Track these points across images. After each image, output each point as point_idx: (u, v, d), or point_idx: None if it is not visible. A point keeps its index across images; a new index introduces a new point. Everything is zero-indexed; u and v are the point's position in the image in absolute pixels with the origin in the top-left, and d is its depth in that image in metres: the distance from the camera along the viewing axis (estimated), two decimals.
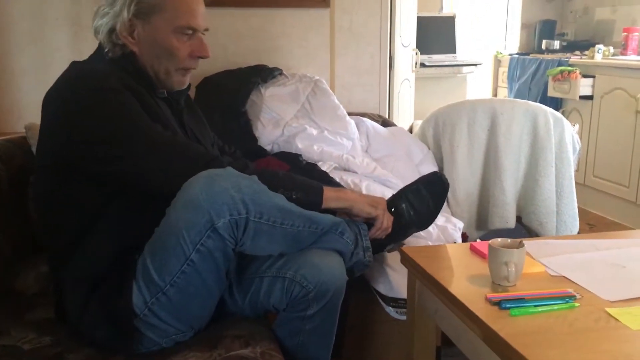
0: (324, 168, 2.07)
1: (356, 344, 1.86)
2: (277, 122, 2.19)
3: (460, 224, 1.98)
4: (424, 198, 1.55)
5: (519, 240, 1.25)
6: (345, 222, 1.44)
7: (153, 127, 1.32)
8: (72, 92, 1.30)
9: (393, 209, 1.53)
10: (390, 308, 1.69)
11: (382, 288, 1.71)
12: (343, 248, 1.41)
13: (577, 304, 1.14)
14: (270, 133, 2.17)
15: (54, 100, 1.32)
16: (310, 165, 2.01)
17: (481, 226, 2.38)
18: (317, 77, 2.43)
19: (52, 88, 1.34)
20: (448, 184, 1.60)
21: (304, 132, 2.16)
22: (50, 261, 1.42)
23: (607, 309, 1.12)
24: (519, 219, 2.41)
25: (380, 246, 1.55)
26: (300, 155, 2.09)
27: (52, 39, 2.38)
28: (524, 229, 2.41)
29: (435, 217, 1.59)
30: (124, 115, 1.30)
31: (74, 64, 1.41)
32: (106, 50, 1.40)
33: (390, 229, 1.52)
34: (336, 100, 2.37)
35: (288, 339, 1.40)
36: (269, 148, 2.15)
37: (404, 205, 1.54)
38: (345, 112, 2.36)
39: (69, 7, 2.38)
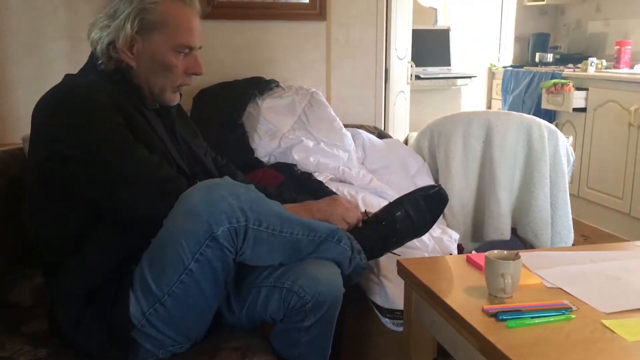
0: (320, 178, 2.07)
1: (353, 355, 1.86)
2: (273, 133, 2.20)
3: (456, 236, 1.98)
4: (421, 209, 1.56)
5: (515, 252, 1.26)
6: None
7: (130, 154, 1.32)
8: (57, 108, 1.30)
9: (390, 217, 1.54)
10: (387, 319, 1.69)
11: (378, 299, 1.71)
12: (341, 255, 1.41)
13: (573, 316, 1.15)
14: (266, 145, 2.18)
15: (40, 114, 1.33)
16: (305, 175, 2.02)
17: (477, 237, 2.39)
18: (314, 89, 2.44)
19: (41, 100, 1.34)
20: (447, 199, 1.60)
21: (301, 143, 2.17)
22: (45, 274, 1.42)
23: (603, 321, 1.12)
24: (514, 230, 2.42)
25: (376, 253, 1.55)
26: (296, 165, 2.09)
27: (50, 51, 2.39)
28: (519, 241, 2.42)
29: (429, 228, 1.60)
30: (104, 139, 1.30)
31: (67, 77, 1.42)
32: (99, 62, 1.40)
33: (354, 217, 1.53)
34: (332, 112, 2.38)
35: (285, 350, 1.39)
36: (266, 160, 2.16)
37: (399, 214, 1.54)
38: (341, 124, 2.37)
39: (67, 20, 2.40)
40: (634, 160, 3.36)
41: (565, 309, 1.16)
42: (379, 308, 1.71)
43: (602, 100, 3.60)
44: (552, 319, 1.13)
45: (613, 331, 1.09)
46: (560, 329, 1.11)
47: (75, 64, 1.47)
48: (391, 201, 1.61)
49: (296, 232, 1.34)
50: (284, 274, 1.37)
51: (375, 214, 1.57)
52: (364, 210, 1.62)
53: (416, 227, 1.56)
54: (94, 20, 1.42)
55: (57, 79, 1.40)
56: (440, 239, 1.90)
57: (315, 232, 1.37)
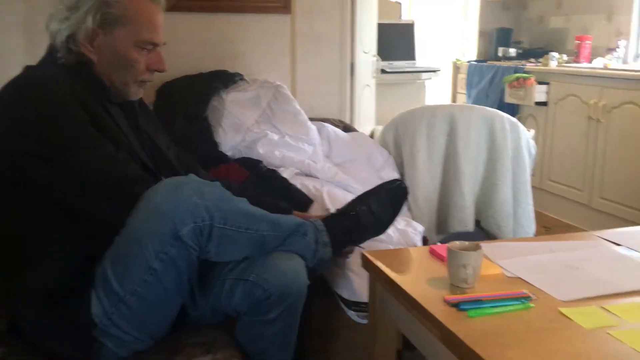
0: (285, 174, 2.07)
1: (319, 349, 1.86)
2: (238, 127, 2.18)
3: (421, 228, 2.00)
4: (383, 204, 1.57)
5: (476, 243, 1.28)
6: (308, 223, 1.45)
7: (97, 152, 1.30)
8: (19, 102, 1.27)
9: (352, 213, 1.55)
10: (352, 312, 1.70)
11: (344, 292, 1.72)
12: (306, 249, 1.41)
13: (532, 305, 1.17)
14: (231, 138, 2.16)
15: (1, 108, 1.29)
16: (270, 172, 2.01)
17: (441, 230, 2.41)
18: (279, 83, 2.43)
19: (1, 94, 1.30)
20: (407, 192, 1.63)
21: (266, 137, 2.16)
22: (5, 272, 1.38)
23: (561, 309, 1.15)
24: (478, 222, 2.45)
25: (338, 249, 1.55)
26: (261, 162, 2.08)
27: (7, 43, 2.32)
28: (483, 232, 2.46)
29: (391, 223, 1.62)
30: (70, 136, 1.28)
31: (27, 69, 1.38)
32: (59, 55, 1.36)
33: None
34: (297, 106, 2.37)
35: (250, 344, 1.39)
36: (230, 153, 2.14)
37: (364, 209, 1.55)
38: (306, 118, 2.37)
39: (25, 12, 2.33)
40: (594, 152, 3.45)
41: (524, 298, 1.18)
42: (345, 301, 1.72)
43: (563, 94, 3.68)
44: (511, 308, 1.15)
45: (571, 319, 1.11)
46: (520, 318, 1.13)
47: (33, 56, 1.43)
48: (355, 197, 1.63)
49: (262, 229, 1.34)
50: (248, 266, 1.36)
51: (340, 210, 1.58)
52: (331, 209, 1.65)
53: (380, 222, 1.58)
54: (53, 11, 1.38)
55: (13, 72, 1.36)
56: (405, 231, 1.91)
57: (281, 227, 1.38)
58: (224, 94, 2.29)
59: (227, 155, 2.12)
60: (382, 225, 1.59)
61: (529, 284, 1.27)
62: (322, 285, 1.74)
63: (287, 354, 1.44)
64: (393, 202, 1.59)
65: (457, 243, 1.27)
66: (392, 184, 1.62)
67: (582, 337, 1.06)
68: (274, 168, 2.06)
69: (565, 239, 1.59)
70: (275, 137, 2.18)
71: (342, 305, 1.74)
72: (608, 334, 1.06)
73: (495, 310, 1.14)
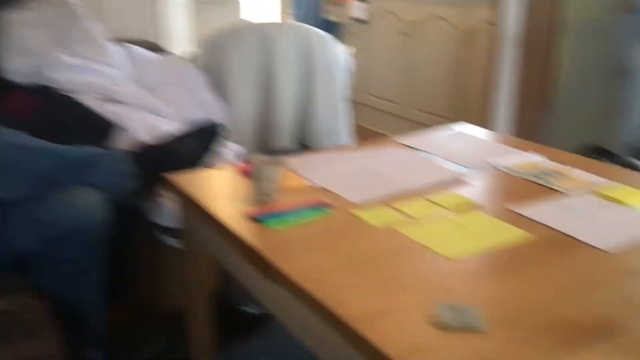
0: (88, 101, 1.89)
1: (140, 280, 1.80)
2: (26, 51, 1.94)
3: (237, 147, 1.98)
4: (194, 143, 1.66)
5: (277, 157, 1.28)
6: (101, 152, 1.36)
7: None
8: None
9: (162, 147, 1.52)
10: (170, 238, 1.66)
11: (158, 219, 1.67)
12: (101, 180, 1.33)
13: (330, 211, 1.20)
14: (20, 64, 1.92)
15: None
16: (64, 98, 1.83)
17: (263, 149, 2.41)
18: (74, 1, 2.19)
19: None
20: (219, 132, 1.74)
21: (61, 61, 1.94)
22: None
23: (354, 211, 1.19)
24: (299, 140, 2.48)
25: (147, 180, 1.50)
26: (53, 87, 1.87)
27: None
28: (304, 148, 2.50)
29: (200, 160, 1.67)
30: None
31: None
32: None
33: None
34: (97, 27, 2.16)
35: (48, 284, 1.30)
36: (20, 80, 1.90)
37: (174, 145, 1.56)
38: (108, 39, 2.17)
39: None
40: (408, 66, 3.63)
41: (323, 206, 1.21)
42: (160, 227, 1.67)
43: (380, 11, 3.78)
44: (311, 216, 1.18)
45: (363, 220, 1.16)
46: (319, 225, 1.15)
47: None
48: (169, 137, 1.64)
49: (42, 162, 1.23)
50: (36, 204, 1.25)
51: (151, 145, 1.53)
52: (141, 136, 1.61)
53: (189, 157, 1.60)
54: None
55: None
56: (219, 152, 1.87)
57: (64, 160, 1.28)
58: (6, 13, 2.01)
59: (15, 82, 1.88)
60: (190, 161, 1.59)
61: (331, 192, 1.30)
62: (137, 214, 1.67)
63: (93, 290, 1.37)
64: (204, 141, 1.66)
65: (260, 158, 1.26)
66: (205, 127, 1.70)
67: (372, 236, 1.11)
68: (69, 94, 1.87)
69: (369, 148, 1.66)
70: (73, 60, 1.98)
71: (159, 233, 1.69)
72: (396, 230, 1.12)
73: (296, 220, 1.16)
